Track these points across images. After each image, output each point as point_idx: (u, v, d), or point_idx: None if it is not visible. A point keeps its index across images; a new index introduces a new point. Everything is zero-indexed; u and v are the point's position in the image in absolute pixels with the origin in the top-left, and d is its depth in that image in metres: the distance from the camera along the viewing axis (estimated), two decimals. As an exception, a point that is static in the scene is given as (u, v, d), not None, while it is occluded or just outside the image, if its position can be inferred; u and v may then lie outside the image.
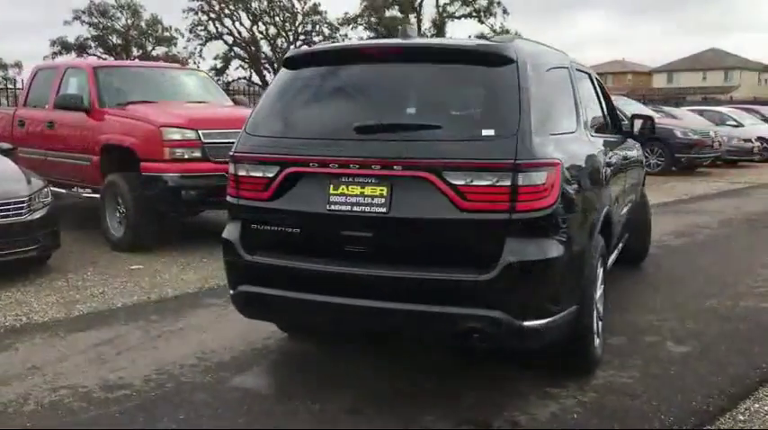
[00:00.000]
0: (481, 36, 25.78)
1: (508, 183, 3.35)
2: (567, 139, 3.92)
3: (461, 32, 54.84)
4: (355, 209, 3.57)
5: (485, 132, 3.43)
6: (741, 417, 3.74)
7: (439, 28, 47.85)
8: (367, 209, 3.55)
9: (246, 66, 50.20)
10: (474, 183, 3.38)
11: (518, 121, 3.44)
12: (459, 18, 48.84)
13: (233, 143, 4.01)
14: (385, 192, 3.52)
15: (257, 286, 3.86)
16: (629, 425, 3.64)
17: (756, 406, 3.86)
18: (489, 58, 3.64)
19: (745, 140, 18.05)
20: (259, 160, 3.81)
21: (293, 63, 4.08)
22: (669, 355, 4.61)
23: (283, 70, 4.09)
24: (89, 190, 8.53)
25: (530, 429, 3.59)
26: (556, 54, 4.48)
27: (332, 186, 3.63)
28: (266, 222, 3.83)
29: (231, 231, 3.96)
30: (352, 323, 3.84)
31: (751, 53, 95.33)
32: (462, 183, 3.39)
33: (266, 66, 49.43)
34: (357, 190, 3.57)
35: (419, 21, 48.23)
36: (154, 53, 50.36)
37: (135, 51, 50.33)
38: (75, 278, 6.61)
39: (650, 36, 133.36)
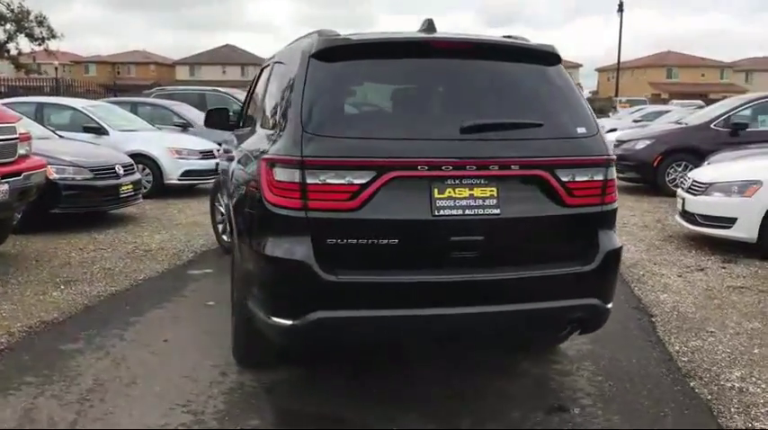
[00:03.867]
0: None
1: (601, 177, 3.60)
2: None
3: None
4: (467, 212, 3.38)
5: (579, 130, 3.60)
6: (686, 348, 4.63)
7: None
8: (480, 211, 3.40)
9: None
10: (576, 178, 3.53)
11: (594, 119, 3.69)
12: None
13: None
14: (495, 193, 3.42)
15: (341, 310, 3.35)
16: (650, 372, 4.24)
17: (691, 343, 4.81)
18: (547, 57, 3.77)
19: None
20: (347, 165, 3.29)
21: (337, 54, 3.54)
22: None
23: (323, 63, 3.51)
24: None
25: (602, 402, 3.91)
26: None
27: (436, 190, 3.36)
28: (353, 235, 3.33)
29: (295, 249, 3.32)
30: (457, 333, 3.60)
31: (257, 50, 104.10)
32: (568, 179, 3.51)
33: None
34: (465, 192, 3.39)
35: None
36: None
37: None
38: None
39: (150, 28, 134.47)
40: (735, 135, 12.10)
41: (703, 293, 6.21)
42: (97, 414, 3.65)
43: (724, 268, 7.18)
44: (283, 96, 3.73)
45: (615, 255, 3.67)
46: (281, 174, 3.35)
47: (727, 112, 12.59)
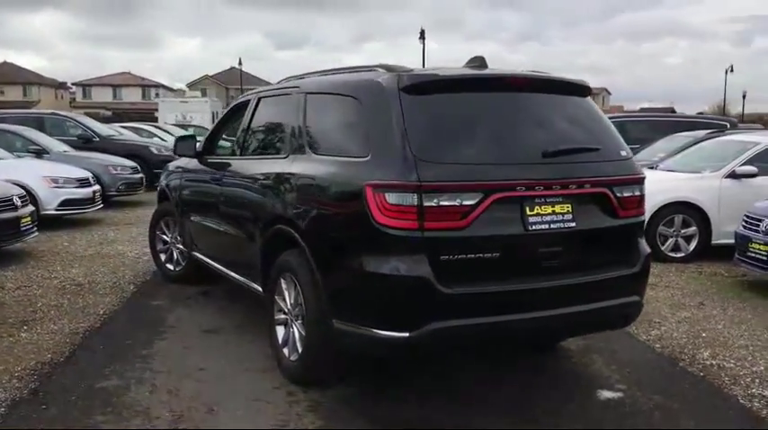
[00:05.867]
0: None
1: (639, 193, 4.28)
2: None
3: None
4: (552, 226, 3.89)
5: (622, 153, 4.25)
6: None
7: None
8: (562, 225, 3.92)
9: None
10: (625, 194, 4.18)
11: (623, 143, 4.37)
12: None
13: None
14: (570, 209, 3.96)
15: (453, 319, 3.70)
16: (646, 358, 4.98)
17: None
18: (584, 89, 4.40)
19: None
20: (459, 188, 3.66)
21: (426, 88, 3.90)
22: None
23: (412, 96, 3.84)
24: None
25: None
26: None
27: (528, 208, 3.84)
28: (462, 251, 3.70)
29: (415, 266, 3.62)
30: (542, 334, 4.07)
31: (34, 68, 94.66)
32: (620, 195, 4.15)
33: None
34: (549, 209, 3.90)
35: None
36: None
37: None
38: None
39: None
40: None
41: (626, 292, 7.13)
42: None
43: (623, 270, 8.23)
44: (362, 126, 4.00)
45: (649, 258, 4.35)
46: (394, 198, 3.64)
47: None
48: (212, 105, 38.84)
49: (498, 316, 3.78)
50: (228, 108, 6.26)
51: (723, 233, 8.57)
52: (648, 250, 4.38)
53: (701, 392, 4.51)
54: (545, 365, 4.92)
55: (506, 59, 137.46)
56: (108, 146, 15.85)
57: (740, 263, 7.40)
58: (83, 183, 11.24)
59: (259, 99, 5.52)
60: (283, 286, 4.55)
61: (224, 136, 6.40)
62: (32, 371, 4.69)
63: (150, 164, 16.10)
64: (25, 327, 5.68)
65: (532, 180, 3.82)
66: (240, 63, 59.02)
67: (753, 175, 8.60)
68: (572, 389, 4.49)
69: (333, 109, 4.45)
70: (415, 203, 3.61)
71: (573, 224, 3.96)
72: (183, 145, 6.27)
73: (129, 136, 18.69)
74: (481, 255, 3.74)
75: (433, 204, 3.63)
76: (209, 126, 33.52)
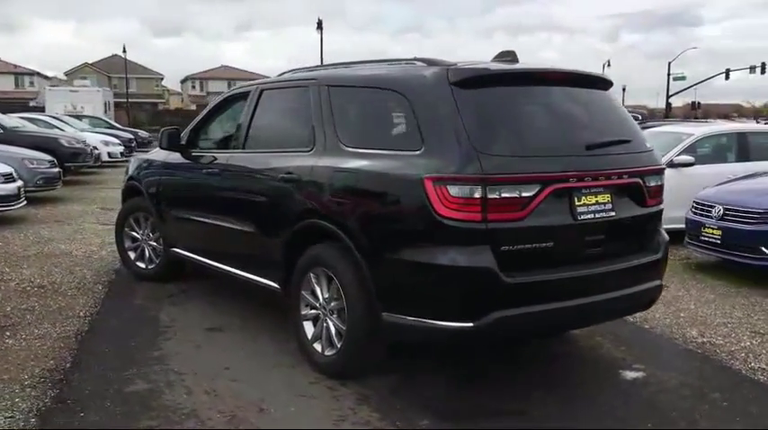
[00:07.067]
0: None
1: (660, 183, 4.52)
2: None
3: None
4: (596, 216, 4.06)
5: (647, 144, 4.47)
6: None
7: None
8: (604, 214, 4.10)
9: None
10: (651, 184, 4.41)
11: (645, 135, 4.60)
12: None
13: None
14: (610, 199, 4.15)
15: (514, 308, 3.79)
16: (648, 338, 5.28)
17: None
18: (607, 83, 4.58)
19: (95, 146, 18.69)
20: (519, 180, 3.75)
21: (476, 82, 3.94)
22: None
23: (463, 89, 3.87)
24: None
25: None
26: None
27: (576, 198, 3.99)
28: (520, 241, 3.80)
29: (480, 257, 3.69)
30: (588, 319, 4.25)
31: None
32: (649, 184, 4.37)
33: None
34: (593, 199, 4.06)
35: None
36: None
37: None
38: None
39: None
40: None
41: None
42: (275, 441, 3.61)
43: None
44: (410, 120, 4.01)
45: (668, 245, 4.62)
46: (457, 190, 3.69)
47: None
48: (104, 95, 37.12)
49: (553, 303, 3.91)
50: (217, 101, 6.07)
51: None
52: (667, 237, 4.63)
53: (710, 368, 4.83)
54: (555, 351, 5.08)
55: (392, 50, 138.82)
56: (14, 138, 14.84)
57: (691, 247, 7.89)
58: (7, 178, 10.55)
59: (261, 91, 5.39)
60: (313, 281, 4.50)
61: (214, 128, 6.19)
62: (42, 379, 4.42)
63: (62, 157, 15.27)
64: (7, 333, 5.32)
65: (582, 171, 3.97)
66: (124, 50, 56.76)
67: (689, 164, 9.17)
68: (595, 372, 4.70)
69: (369, 103, 4.43)
70: (480, 195, 3.67)
71: (613, 213, 4.14)
72: (169, 137, 6.04)
73: (33, 128, 17.63)
74: (537, 244, 3.86)
75: (496, 196, 3.70)
76: (104, 117, 32.21)
